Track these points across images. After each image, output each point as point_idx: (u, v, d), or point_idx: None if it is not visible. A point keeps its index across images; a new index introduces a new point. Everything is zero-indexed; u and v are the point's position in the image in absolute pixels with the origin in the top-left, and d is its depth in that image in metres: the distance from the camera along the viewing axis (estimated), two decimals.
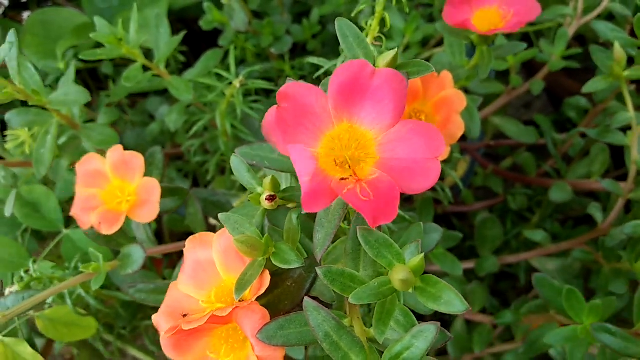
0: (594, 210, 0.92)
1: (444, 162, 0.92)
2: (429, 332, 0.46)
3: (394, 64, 0.58)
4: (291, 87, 0.52)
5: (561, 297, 0.82)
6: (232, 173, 1.14)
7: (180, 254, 0.69)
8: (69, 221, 1.09)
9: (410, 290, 0.50)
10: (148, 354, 1.15)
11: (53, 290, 0.77)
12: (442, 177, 1.08)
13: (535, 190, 1.20)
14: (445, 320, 1.14)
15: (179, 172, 1.27)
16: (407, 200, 1.07)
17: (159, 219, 1.18)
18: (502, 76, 1.20)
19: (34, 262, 0.95)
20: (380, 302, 0.52)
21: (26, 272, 0.92)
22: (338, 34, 0.61)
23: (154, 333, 1.18)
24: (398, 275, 0.49)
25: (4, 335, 0.84)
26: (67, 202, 1.08)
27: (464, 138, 1.27)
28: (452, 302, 0.48)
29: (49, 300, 0.90)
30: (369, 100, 0.53)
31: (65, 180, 1.10)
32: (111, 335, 1.10)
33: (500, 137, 1.31)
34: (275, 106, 0.52)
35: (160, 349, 1.14)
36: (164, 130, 1.23)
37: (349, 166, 0.53)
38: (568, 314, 0.82)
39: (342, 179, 0.52)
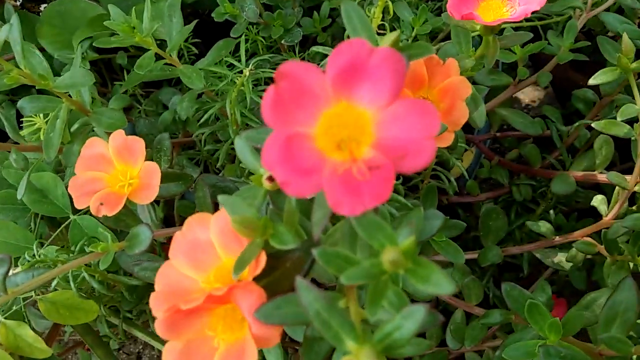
0: (598, 202, 0.92)
1: (448, 149, 0.92)
2: (418, 312, 0.46)
3: (395, 46, 0.59)
4: (289, 66, 0.52)
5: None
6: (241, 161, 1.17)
7: None
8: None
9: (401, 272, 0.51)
10: (154, 336, 1.17)
11: (60, 269, 0.79)
12: (448, 167, 1.09)
13: (540, 182, 1.20)
14: (448, 312, 1.15)
15: (189, 160, 1.29)
16: (412, 189, 1.08)
17: (170, 206, 1.20)
18: (511, 70, 1.20)
19: (40, 246, 0.97)
20: (374, 283, 0.52)
21: (32, 256, 0.93)
22: (343, 16, 0.62)
23: None
24: (387, 256, 0.49)
25: (5, 318, 0.86)
26: None
27: (470, 130, 1.28)
28: (441, 283, 0.48)
29: (53, 284, 0.92)
30: (366, 79, 0.53)
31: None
32: (117, 318, 1.12)
33: (506, 130, 1.32)
34: (273, 85, 0.52)
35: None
36: (176, 119, 1.25)
37: (347, 146, 0.53)
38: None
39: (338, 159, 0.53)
